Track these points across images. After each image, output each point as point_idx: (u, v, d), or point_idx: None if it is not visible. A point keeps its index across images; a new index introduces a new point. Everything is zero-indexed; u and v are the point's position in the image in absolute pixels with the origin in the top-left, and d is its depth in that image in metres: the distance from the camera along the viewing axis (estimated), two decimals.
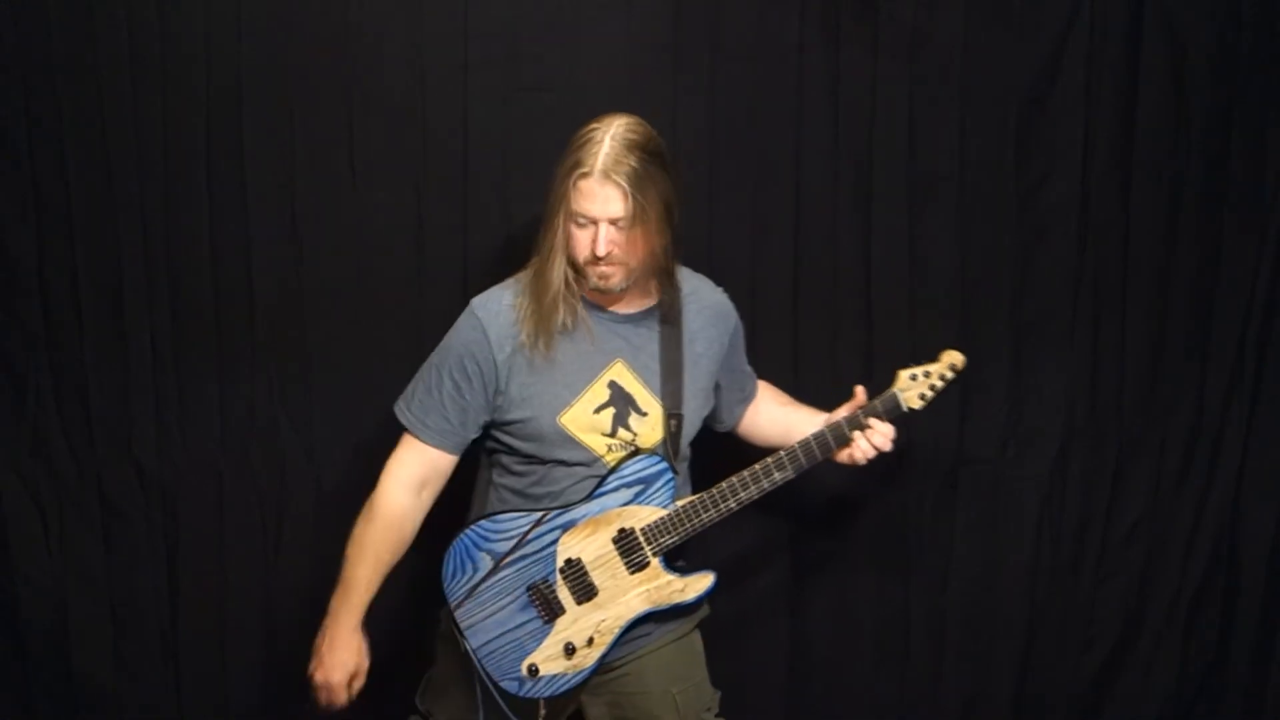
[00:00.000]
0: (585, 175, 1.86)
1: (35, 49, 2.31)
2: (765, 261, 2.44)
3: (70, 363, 2.41)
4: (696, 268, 2.19)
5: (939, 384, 2.04)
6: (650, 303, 2.04)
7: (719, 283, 2.17)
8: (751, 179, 2.42)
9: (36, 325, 2.40)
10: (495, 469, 2.08)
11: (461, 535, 1.99)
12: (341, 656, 1.99)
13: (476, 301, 2.01)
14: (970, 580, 2.56)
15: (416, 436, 2.01)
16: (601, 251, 1.88)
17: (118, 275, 2.39)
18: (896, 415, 2.03)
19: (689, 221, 2.38)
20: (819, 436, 2.02)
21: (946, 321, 2.48)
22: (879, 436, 2.01)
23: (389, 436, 2.42)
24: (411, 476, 2.02)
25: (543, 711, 1.99)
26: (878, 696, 2.58)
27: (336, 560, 2.46)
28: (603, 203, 1.87)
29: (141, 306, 2.40)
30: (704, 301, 2.10)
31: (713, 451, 2.16)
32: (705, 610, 2.17)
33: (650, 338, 2.03)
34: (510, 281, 2.03)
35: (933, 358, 2.05)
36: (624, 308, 2.02)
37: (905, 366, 2.05)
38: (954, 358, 2.05)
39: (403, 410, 2.04)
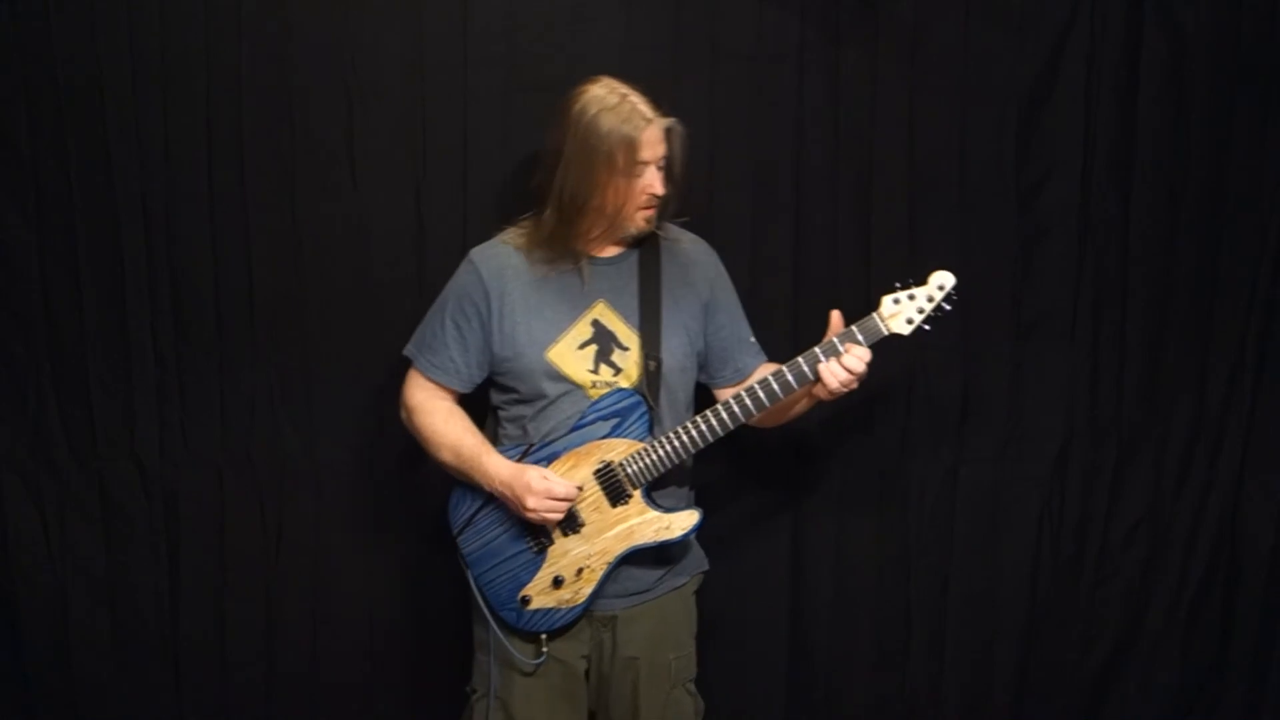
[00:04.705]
0: (648, 123, 1.97)
1: (35, 49, 2.32)
2: (765, 261, 2.44)
3: (72, 362, 2.41)
4: None
5: (926, 306, 1.97)
6: (626, 246, 2.10)
7: None
8: (751, 179, 2.43)
9: (38, 325, 2.40)
10: (498, 421, 2.15)
11: None
12: (521, 487, 1.99)
13: (473, 251, 2.11)
14: (970, 580, 2.56)
15: (423, 373, 2.12)
16: (661, 190, 2.00)
17: (119, 275, 2.39)
18: (878, 340, 1.98)
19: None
20: (792, 365, 1.98)
21: (947, 321, 2.47)
22: (851, 358, 1.94)
23: (390, 436, 2.43)
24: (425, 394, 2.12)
25: (544, 649, 2.06)
26: (878, 696, 2.58)
27: (337, 560, 2.48)
28: (657, 144, 2.00)
29: (143, 306, 2.40)
30: (683, 249, 2.15)
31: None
32: (704, 564, 2.20)
33: (629, 279, 2.09)
34: (504, 233, 2.12)
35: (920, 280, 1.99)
36: (605, 252, 2.09)
37: (889, 290, 1.99)
38: (942, 277, 1.98)
39: (412, 353, 2.14)
